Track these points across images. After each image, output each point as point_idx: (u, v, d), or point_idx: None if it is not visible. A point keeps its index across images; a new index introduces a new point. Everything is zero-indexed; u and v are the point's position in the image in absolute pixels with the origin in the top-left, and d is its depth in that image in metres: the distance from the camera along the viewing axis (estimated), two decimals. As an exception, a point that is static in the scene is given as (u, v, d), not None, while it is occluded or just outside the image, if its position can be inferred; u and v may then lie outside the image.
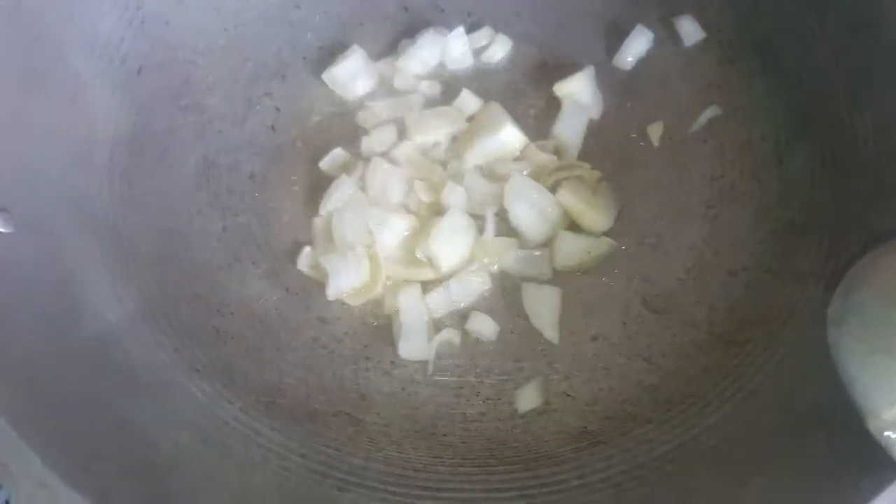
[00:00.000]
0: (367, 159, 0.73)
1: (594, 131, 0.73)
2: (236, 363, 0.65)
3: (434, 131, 0.73)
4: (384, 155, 0.73)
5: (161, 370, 0.62)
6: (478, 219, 0.70)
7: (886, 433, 0.45)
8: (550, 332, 0.66)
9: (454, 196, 0.69)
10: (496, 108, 0.73)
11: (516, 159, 0.71)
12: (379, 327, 0.68)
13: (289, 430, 0.61)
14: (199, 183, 0.73)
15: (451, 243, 0.68)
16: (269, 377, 0.64)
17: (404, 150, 0.73)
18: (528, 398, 0.63)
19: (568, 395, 0.63)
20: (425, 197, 0.71)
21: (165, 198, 0.72)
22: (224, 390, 0.63)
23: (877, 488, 0.45)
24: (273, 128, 0.76)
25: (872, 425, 0.46)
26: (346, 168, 0.73)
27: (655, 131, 0.72)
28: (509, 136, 0.71)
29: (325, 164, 0.73)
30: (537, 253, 0.69)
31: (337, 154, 0.74)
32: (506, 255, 0.69)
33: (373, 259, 0.68)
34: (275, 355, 0.66)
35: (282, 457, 0.59)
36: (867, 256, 0.53)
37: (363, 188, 0.72)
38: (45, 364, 0.55)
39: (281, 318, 0.68)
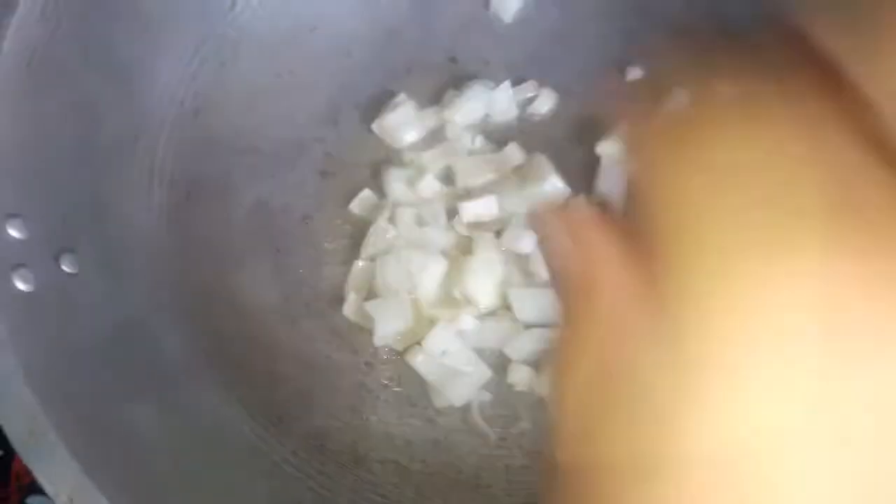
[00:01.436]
0: (397, 202, 0.75)
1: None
2: (287, 405, 0.67)
3: (479, 177, 0.76)
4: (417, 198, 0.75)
5: (218, 411, 0.64)
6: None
7: None
8: None
9: (485, 240, 0.72)
10: (541, 161, 0.75)
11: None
12: (423, 373, 0.70)
13: (338, 474, 0.63)
14: (251, 223, 0.76)
15: (485, 279, 0.70)
16: (317, 421, 0.67)
17: (431, 188, 0.76)
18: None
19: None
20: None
21: (219, 238, 0.75)
22: (276, 431, 0.65)
23: None
24: (323, 172, 0.79)
25: None
26: (376, 209, 0.75)
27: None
28: (553, 188, 0.73)
29: (354, 205, 0.76)
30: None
31: (366, 196, 0.76)
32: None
33: (416, 303, 0.71)
34: (323, 399, 0.68)
35: (331, 501, 0.61)
36: None
37: (398, 232, 0.74)
38: (111, 408, 0.58)
39: (329, 361, 0.71)
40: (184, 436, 0.61)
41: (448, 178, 0.77)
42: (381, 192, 0.77)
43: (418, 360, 0.69)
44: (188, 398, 0.64)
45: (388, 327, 0.70)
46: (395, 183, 0.76)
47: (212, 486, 0.59)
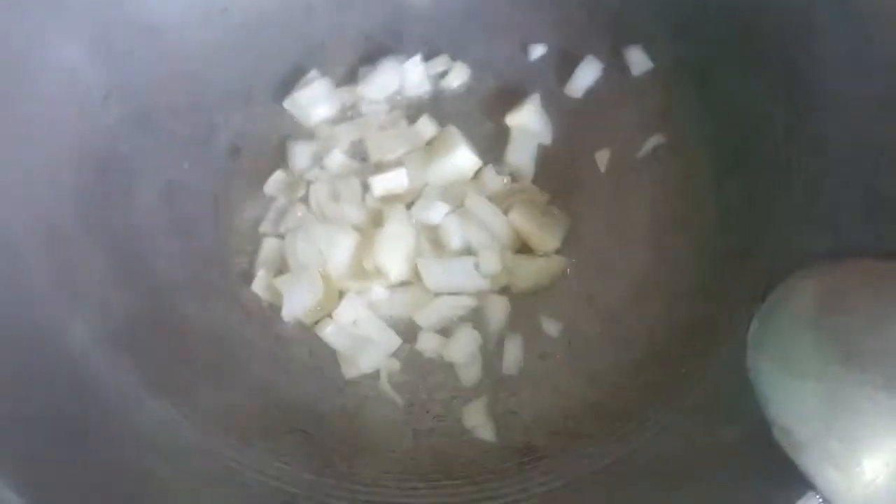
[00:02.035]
0: (310, 181, 0.75)
1: (545, 156, 0.76)
2: (196, 383, 0.67)
3: (392, 152, 0.76)
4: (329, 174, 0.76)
5: (124, 390, 0.64)
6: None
7: (796, 449, 0.48)
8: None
9: (396, 212, 0.72)
10: (452, 132, 0.75)
11: (470, 182, 0.74)
12: (334, 345, 0.70)
13: (246, 447, 0.63)
14: (161, 205, 0.75)
15: (396, 251, 0.70)
16: (227, 397, 0.66)
17: (340, 163, 0.76)
18: (475, 415, 0.65)
19: (514, 412, 0.66)
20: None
21: (129, 220, 0.74)
22: (185, 409, 0.64)
23: (790, 501, 0.48)
24: (236, 152, 0.78)
25: (784, 443, 0.49)
26: (290, 189, 0.75)
27: (603, 158, 0.75)
28: (464, 159, 0.74)
29: (268, 187, 0.76)
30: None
31: (278, 177, 0.76)
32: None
33: (326, 278, 0.71)
34: (233, 375, 0.68)
35: (238, 473, 0.61)
36: (786, 281, 0.56)
37: (309, 208, 0.74)
38: (6, 388, 0.57)
39: (240, 338, 0.70)
40: (89, 416, 0.61)
41: (361, 155, 0.77)
42: (292, 171, 0.77)
43: (328, 331, 0.69)
44: (94, 380, 0.63)
45: (296, 302, 0.70)
46: (300, 157, 0.76)
47: (122, 463, 0.59)
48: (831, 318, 0.50)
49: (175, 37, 0.79)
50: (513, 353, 0.68)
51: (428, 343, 0.69)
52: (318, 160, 0.76)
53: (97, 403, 0.62)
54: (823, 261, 0.56)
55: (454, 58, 0.80)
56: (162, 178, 0.76)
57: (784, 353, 0.51)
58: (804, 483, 0.48)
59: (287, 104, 0.79)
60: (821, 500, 0.48)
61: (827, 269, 0.54)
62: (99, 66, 0.74)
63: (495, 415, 0.66)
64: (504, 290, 0.71)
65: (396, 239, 0.71)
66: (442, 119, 0.78)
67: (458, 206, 0.72)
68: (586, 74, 0.77)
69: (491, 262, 0.70)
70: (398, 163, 0.75)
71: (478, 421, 0.65)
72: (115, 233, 0.73)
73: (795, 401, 0.49)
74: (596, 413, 0.64)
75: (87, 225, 0.72)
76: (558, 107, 0.77)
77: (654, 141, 0.74)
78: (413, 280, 0.71)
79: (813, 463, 0.48)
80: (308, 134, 0.78)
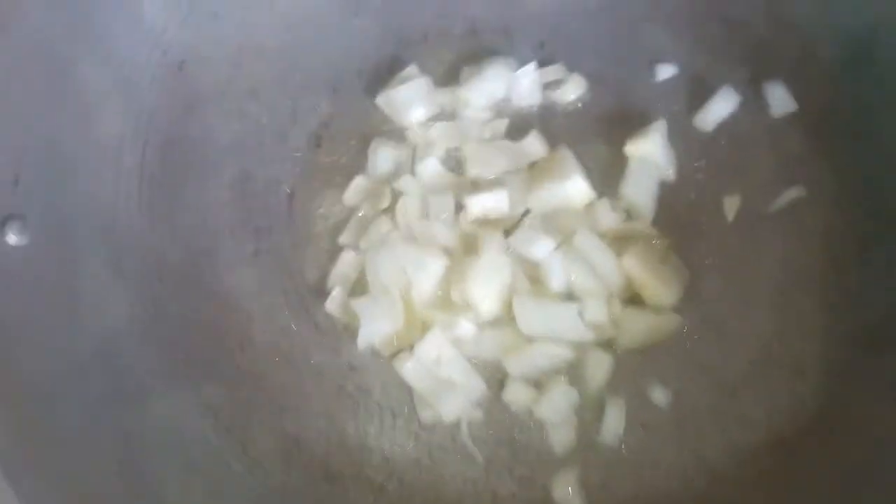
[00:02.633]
0: (399, 191, 0.67)
1: (665, 195, 0.67)
2: (254, 405, 0.60)
3: (493, 168, 0.68)
4: (421, 185, 0.68)
5: (173, 407, 0.57)
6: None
7: None
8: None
9: (493, 240, 0.64)
10: (566, 156, 0.67)
11: (580, 215, 0.66)
12: (411, 381, 0.63)
13: (305, 488, 0.56)
14: (233, 197, 0.68)
15: (490, 284, 0.63)
16: (288, 425, 0.60)
17: (434, 173, 0.68)
18: (564, 485, 0.58)
19: (608, 487, 0.58)
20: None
21: (196, 211, 0.67)
22: (239, 435, 0.58)
23: None
24: (318, 145, 0.70)
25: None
26: (373, 198, 0.68)
27: (732, 205, 0.66)
28: (576, 189, 0.65)
29: (348, 195, 0.68)
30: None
31: (360, 184, 0.68)
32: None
33: (408, 304, 0.63)
34: (297, 401, 0.62)
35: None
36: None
37: (395, 223, 0.66)
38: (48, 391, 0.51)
39: (307, 359, 0.63)
40: (131, 430, 0.54)
41: (456, 165, 0.69)
42: (375, 177, 0.69)
43: (407, 367, 0.62)
44: (139, 388, 0.57)
45: (374, 328, 0.62)
46: (385, 160, 0.68)
47: (161, 488, 0.52)
48: None
49: (264, 5, 0.71)
50: (613, 420, 0.60)
51: (517, 395, 0.62)
52: (405, 166, 0.68)
53: (141, 419, 0.55)
54: None
55: (571, 68, 0.71)
56: (235, 166, 0.69)
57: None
58: None
59: (380, 101, 0.70)
60: None
61: None
62: (177, 26, 0.67)
63: (587, 488, 0.58)
64: (608, 345, 0.63)
65: (491, 270, 0.63)
66: (551, 137, 0.69)
67: (564, 241, 0.64)
68: (721, 107, 0.68)
69: (597, 310, 0.62)
70: (498, 182, 0.67)
71: (566, 493, 0.58)
72: (179, 224, 0.66)
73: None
74: (701, 501, 0.57)
75: (150, 213, 0.65)
76: (685, 139, 0.68)
77: (792, 193, 0.65)
78: (505, 320, 0.63)
79: None
80: (398, 135, 0.70)
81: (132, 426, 0.55)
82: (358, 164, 0.70)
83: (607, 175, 0.68)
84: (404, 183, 0.67)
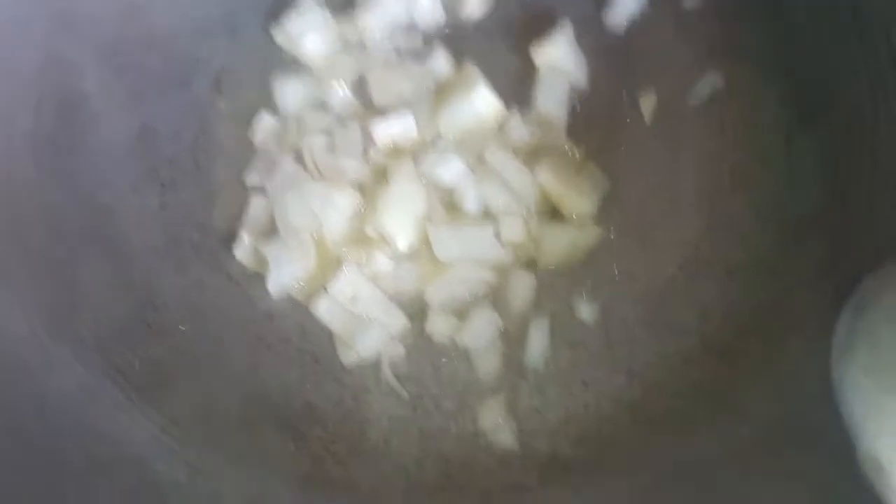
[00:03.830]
0: (304, 129, 0.64)
1: (578, 102, 0.64)
2: (167, 363, 0.58)
3: (399, 93, 0.65)
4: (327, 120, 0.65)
5: (78, 369, 0.55)
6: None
7: (888, 484, 0.38)
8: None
9: (403, 168, 0.61)
10: (472, 71, 0.64)
11: (492, 133, 0.62)
12: (331, 325, 0.60)
13: (223, 445, 0.54)
14: (136, 153, 0.65)
15: (403, 214, 0.60)
16: (205, 381, 0.58)
17: (341, 104, 0.65)
18: (493, 414, 0.56)
19: (538, 411, 0.56)
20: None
21: (97, 170, 0.64)
22: (152, 396, 0.56)
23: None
24: (220, 90, 0.67)
25: (874, 474, 0.39)
26: (281, 137, 0.65)
27: (648, 104, 0.63)
28: (484, 104, 0.62)
29: (255, 134, 0.65)
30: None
31: (266, 122, 0.65)
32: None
33: (320, 244, 0.61)
34: (213, 355, 0.59)
35: (212, 478, 0.52)
36: (883, 269, 0.45)
37: (302, 163, 0.63)
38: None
39: (221, 311, 0.61)
40: (33, 401, 0.52)
41: (363, 95, 0.66)
42: (282, 115, 0.65)
43: (322, 308, 0.59)
44: (38, 363, 0.54)
45: (285, 272, 0.60)
46: (291, 96, 0.65)
47: (67, 460, 0.51)
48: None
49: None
50: (538, 342, 0.58)
51: (439, 325, 0.59)
52: (311, 100, 0.64)
53: (43, 386, 0.53)
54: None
55: (474, -19, 0.67)
56: (134, 121, 0.66)
57: (879, 364, 0.41)
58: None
59: (278, 36, 0.67)
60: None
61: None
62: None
63: (516, 414, 0.56)
64: (529, 265, 0.60)
65: (403, 200, 0.60)
66: (457, 55, 0.66)
67: (477, 161, 0.61)
68: (629, 2, 0.64)
69: (514, 229, 0.59)
70: (405, 106, 0.64)
71: (495, 421, 0.56)
72: (80, 185, 0.63)
73: (892, 423, 0.39)
74: (635, 417, 0.55)
75: (46, 175, 0.62)
76: (595, 40, 0.65)
77: (709, 83, 0.62)
78: (422, 249, 0.60)
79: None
80: (303, 70, 0.66)
81: (33, 399, 0.52)
82: (262, 105, 0.66)
83: (518, 87, 0.64)
84: (309, 118, 0.64)
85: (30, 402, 0.52)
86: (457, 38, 0.67)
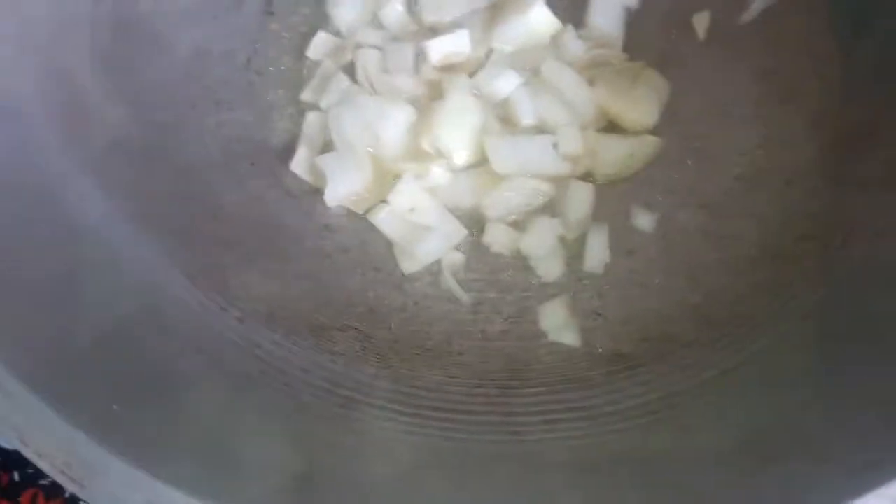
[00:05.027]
0: (359, 45, 0.65)
1: (633, 21, 0.64)
2: (233, 271, 0.58)
3: (451, 11, 0.65)
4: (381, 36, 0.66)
5: (150, 274, 0.56)
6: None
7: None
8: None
9: (457, 83, 0.62)
10: (525, -14, 0.64)
11: (547, 48, 0.63)
12: (390, 236, 0.61)
13: (290, 343, 0.55)
14: (190, 72, 0.66)
15: (459, 127, 0.60)
16: (269, 287, 0.58)
17: (397, 20, 0.66)
18: (554, 315, 0.57)
19: (599, 314, 0.57)
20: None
21: (154, 88, 0.64)
22: (219, 298, 0.56)
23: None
24: (271, 13, 0.68)
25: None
26: (337, 54, 0.65)
27: (701, 22, 0.63)
28: (540, 19, 0.63)
29: (311, 51, 0.66)
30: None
31: (322, 39, 0.66)
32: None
33: (377, 159, 0.61)
34: (276, 264, 0.60)
35: (282, 371, 0.53)
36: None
37: (356, 78, 0.64)
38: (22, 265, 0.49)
39: (282, 224, 0.62)
40: (111, 299, 0.52)
41: (418, 13, 0.66)
42: (336, 33, 0.66)
43: (381, 217, 0.60)
44: (116, 261, 0.55)
45: (341, 185, 0.60)
46: (346, 15, 0.65)
47: (144, 352, 0.51)
48: None
49: None
50: (597, 248, 0.59)
51: (497, 236, 0.60)
52: (366, 18, 0.65)
53: (120, 287, 0.54)
54: None
55: None
56: (188, 43, 0.66)
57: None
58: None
59: (329, -46, 0.67)
60: None
61: None
62: None
63: (577, 317, 0.57)
64: (587, 177, 0.61)
65: (459, 113, 0.61)
66: (509, -24, 0.66)
67: (532, 75, 0.62)
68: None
69: (572, 140, 0.60)
70: (458, 24, 0.64)
71: (557, 322, 0.57)
72: (139, 102, 0.63)
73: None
74: (696, 318, 0.55)
75: (106, 91, 0.62)
76: (649, -40, 0.65)
77: (762, 1, 0.62)
78: (480, 163, 0.61)
79: None
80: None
81: (108, 290, 0.53)
82: (313, 26, 0.67)
83: (572, 7, 0.65)
84: (362, 34, 0.65)
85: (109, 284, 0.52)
86: (508, -41, 0.67)
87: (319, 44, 0.65)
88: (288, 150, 0.64)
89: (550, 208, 0.60)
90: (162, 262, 0.57)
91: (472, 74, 0.63)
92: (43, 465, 0.42)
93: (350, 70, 0.65)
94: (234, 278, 0.58)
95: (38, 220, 0.54)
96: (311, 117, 0.63)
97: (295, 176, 0.62)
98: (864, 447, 0.41)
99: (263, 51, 0.67)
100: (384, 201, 0.61)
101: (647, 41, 0.64)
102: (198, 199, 0.61)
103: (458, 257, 0.59)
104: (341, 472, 0.47)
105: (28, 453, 0.42)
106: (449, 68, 0.63)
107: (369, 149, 0.62)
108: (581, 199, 0.60)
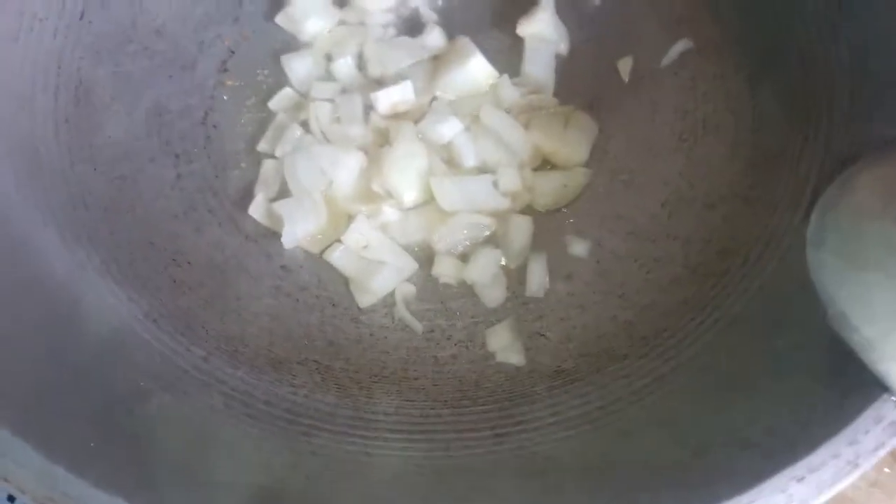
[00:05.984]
0: (314, 99, 0.70)
1: (563, 68, 0.70)
2: (195, 313, 0.62)
3: (396, 65, 0.70)
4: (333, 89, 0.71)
5: (116, 320, 0.59)
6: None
7: (865, 348, 0.44)
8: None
9: (404, 130, 0.67)
10: (466, 43, 0.70)
11: (485, 95, 0.68)
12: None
13: (253, 378, 0.58)
14: (150, 129, 0.70)
15: (407, 170, 0.65)
16: (230, 326, 0.61)
17: (347, 74, 0.71)
18: (500, 337, 0.61)
19: (541, 334, 0.61)
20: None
21: (116, 145, 0.68)
22: (184, 339, 0.59)
23: (862, 406, 0.44)
24: (225, 70, 0.72)
25: (853, 341, 0.45)
26: (296, 108, 0.70)
27: (625, 66, 0.69)
28: (479, 69, 0.68)
29: (274, 103, 0.70)
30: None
31: (286, 94, 0.70)
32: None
33: (331, 201, 0.66)
34: (236, 304, 0.63)
35: (246, 404, 0.56)
36: (841, 176, 0.52)
37: (309, 129, 0.69)
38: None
39: (241, 266, 0.65)
40: (80, 347, 0.55)
41: (364, 68, 0.72)
42: (294, 86, 0.71)
43: (336, 256, 0.64)
44: (82, 310, 0.58)
45: (298, 227, 0.64)
46: (299, 68, 0.70)
47: (116, 393, 0.54)
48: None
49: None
50: (537, 275, 0.63)
51: (445, 268, 0.64)
52: (317, 74, 0.70)
53: (88, 334, 0.57)
54: (880, 150, 0.51)
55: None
56: (149, 100, 0.70)
57: (848, 247, 0.47)
58: (878, 386, 0.43)
59: (280, 19, 0.73)
60: (896, 401, 0.44)
61: (886, 157, 0.50)
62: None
63: (522, 338, 0.61)
64: (526, 210, 0.66)
65: (407, 157, 0.66)
66: (449, 31, 0.72)
67: (473, 121, 0.67)
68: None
69: (511, 178, 0.65)
70: (402, 75, 0.70)
71: (503, 344, 0.61)
72: (102, 159, 0.67)
73: (862, 296, 0.45)
74: (629, 333, 0.60)
75: (70, 151, 0.66)
76: (574, 13, 0.71)
77: (680, 47, 0.69)
78: (427, 202, 0.66)
79: (884, 361, 0.43)
80: (303, 49, 0.72)
81: (78, 340, 0.56)
82: (263, 82, 0.72)
83: (507, 59, 0.71)
84: (315, 89, 0.69)
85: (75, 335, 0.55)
86: (447, 18, 0.73)
87: (283, 98, 0.70)
88: (245, 197, 0.67)
89: (493, 240, 0.65)
90: (127, 308, 0.60)
91: (417, 121, 0.68)
92: (26, 500, 0.44)
93: (304, 123, 0.69)
94: (197, 320, 0.61)
95: (7, 273, 0.57)
96: (268, 165, 0.68)
97: (253, 220, 0.66)
98: (777, 435, 0.45)
99: (220, 106, 0.71)
100: (339, 241, 0.65)
101: (577, 86, 0.69)
102: (159, 247, 0.65)
103: (410, 289, 0.63)
104: (308, 493, 0.50)
105: (11, 489, 0.45)
106: (396, 116, 0.68)
107: (323, 192, 0.65)
108: (521, 231, 0.64)
